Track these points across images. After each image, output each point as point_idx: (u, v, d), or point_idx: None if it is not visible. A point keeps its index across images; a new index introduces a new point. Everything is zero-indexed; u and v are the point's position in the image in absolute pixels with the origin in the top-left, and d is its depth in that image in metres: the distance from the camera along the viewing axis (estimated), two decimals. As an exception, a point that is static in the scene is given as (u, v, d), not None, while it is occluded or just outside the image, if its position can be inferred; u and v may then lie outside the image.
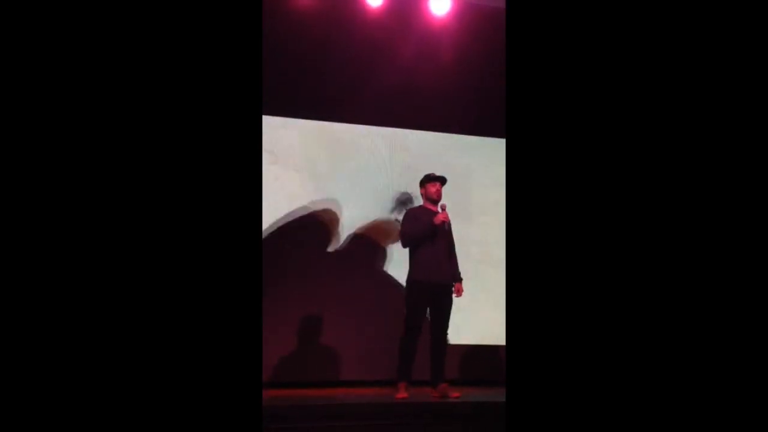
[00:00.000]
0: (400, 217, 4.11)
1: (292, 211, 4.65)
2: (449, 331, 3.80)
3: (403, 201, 4.77)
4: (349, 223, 4.74)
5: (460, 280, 3.83)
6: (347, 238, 4.74)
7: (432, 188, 3.86)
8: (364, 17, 4.86)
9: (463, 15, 5.00)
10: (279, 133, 4.59)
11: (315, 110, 4.74)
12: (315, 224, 4.68)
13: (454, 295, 3.80)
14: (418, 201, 4.13)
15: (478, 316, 4.68)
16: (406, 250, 3.84)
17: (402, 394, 3.57)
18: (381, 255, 4.68)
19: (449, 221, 3.74)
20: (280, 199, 4.59)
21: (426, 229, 3.72)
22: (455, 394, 3.60)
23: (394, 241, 4.64)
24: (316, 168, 4.72)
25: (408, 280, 3.78)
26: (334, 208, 4.73)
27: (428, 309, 3.75)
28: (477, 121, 4.98)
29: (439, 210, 3.78)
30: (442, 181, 3.89)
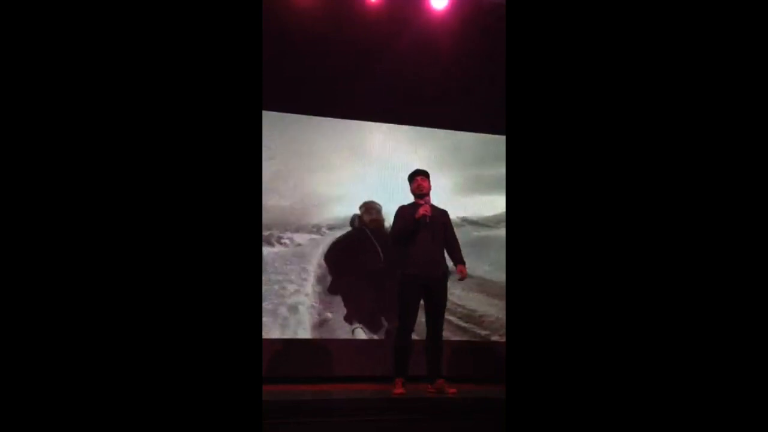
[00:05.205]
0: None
1: (290, 207, 4.65)
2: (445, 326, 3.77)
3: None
4: (347, 218, 4.73)
5: (462, 263, 3.77)
6: (346, 234, 4.73)
7: (413, 184, 3.84)
8: (362, 12, 4.85)
9: (462, 9, 4.99)
10: (277, 129, 4.58)
11: (313, 105, 4.74)
12: (313, 220, 4.67)
13: (458, 279, 3.76)
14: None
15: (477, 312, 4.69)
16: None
17: (399, 390, 3.56)
18: (380, 250, 4.67)
19: (430, 214, 3.67)
20: (278, 194, 4.58)
21: (408, 225, 3.68)
22: (452, 390, 3.60)
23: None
24: (314, 164, 4.71)
25: (400, 276, 3.74)
26: (331, 204, 4.72)
27: (423, 304, 3.71)
28: (476, 117, 4.97)
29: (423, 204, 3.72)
30: (424, 174, 3.84)
